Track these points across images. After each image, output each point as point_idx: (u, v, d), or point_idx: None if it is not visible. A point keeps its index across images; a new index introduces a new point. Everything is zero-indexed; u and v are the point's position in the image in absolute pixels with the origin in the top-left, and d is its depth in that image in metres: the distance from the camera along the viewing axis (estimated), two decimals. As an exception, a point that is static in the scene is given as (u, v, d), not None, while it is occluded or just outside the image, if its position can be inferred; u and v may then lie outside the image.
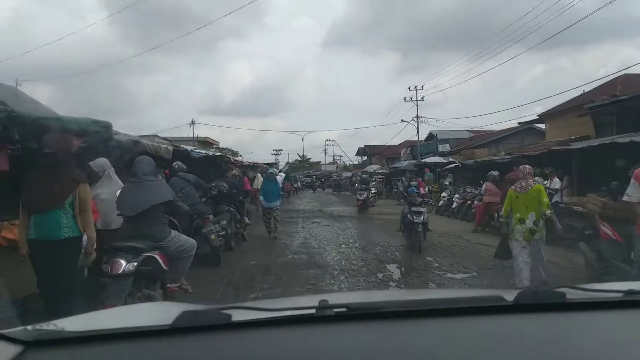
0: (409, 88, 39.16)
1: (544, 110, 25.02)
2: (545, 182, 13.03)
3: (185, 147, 10.43)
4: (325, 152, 73.20)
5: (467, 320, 1.21)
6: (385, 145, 50.86)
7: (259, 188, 19.58)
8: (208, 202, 9.14)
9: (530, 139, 26.33)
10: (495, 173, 11.98)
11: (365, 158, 59.89)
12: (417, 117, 38.17)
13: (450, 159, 23.04)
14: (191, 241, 5.00)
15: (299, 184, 40.08)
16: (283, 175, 28.90)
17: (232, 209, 9.32)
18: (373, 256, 8.73)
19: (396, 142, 48.24)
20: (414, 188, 10.34)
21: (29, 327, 1.13)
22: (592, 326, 1.21)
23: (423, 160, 23.44)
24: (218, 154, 13.02)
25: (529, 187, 6.21)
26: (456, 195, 16.24)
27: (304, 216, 17.01)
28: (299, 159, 75.11)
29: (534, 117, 26.58)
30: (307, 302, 1.35)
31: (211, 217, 7.57)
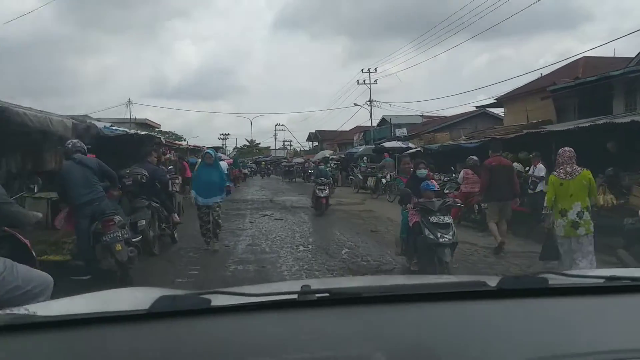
0: (362, 70, 38.10)
1: (500, 95, 24.26)
2: (527, 168, 11.68)
3: (95, 122, 7.96)
4: (275, 137, 70.70)
5: (450, 305, 1.20)
6: (336, 131, 49.56)
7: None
8: (124, 196, 6.87)
9: (484, 124, 25.69)
10: (475, 158, 10.36)
11: (316, 144, 58.23)
12: (371, 100, 36.88)
13: (410, 144, 21.55)
14: (41, 277, 2.81)
15: (248, 170, 37.53)
16: (225, 159, 26.41)
17: (155, 203, 7.07)
18: (341, 264, 6.81)
19: (347, 127, 47.12)
20: (428, 183, 5.94)
21: (0, 312, 1.11)
22: (573, 311, 1.19)
23: (382, 145, 21.77)
24: (144, 133, 10.45)
25: (576, 173, 5.37)
26: (422, 183, 14.62)
27: (253, 207, 14.84)
28: (248, 144, 72.20)
29: (491, 100, 25.76)
30: (289, 287, 1.26)
31: (117, 218, 5.32)
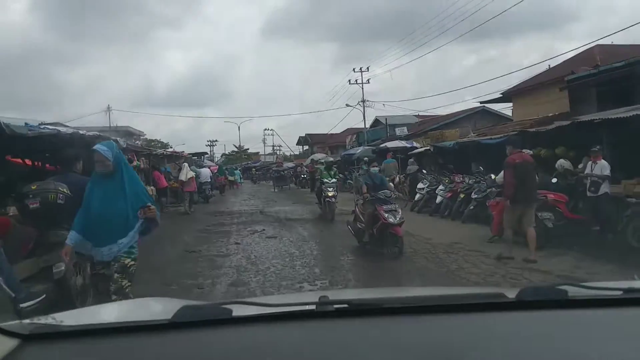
0: (354, 70, 35.95)
1: (507, 88, 22.42)
2: (581, 165, 9.49)
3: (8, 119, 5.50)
4: (264, 142, 68.01)
5: (470, 316, 1.18)
6: (327, 134, 47.41)
7: (186, 180, 14.65)
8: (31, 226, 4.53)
9: (484, 122, 23.75)
10: (522, 154, 8.11)
11: (306, 147, 55.88)
12: (364, 100, 34.73)
13: (415, 143, 19.35)
14: None
15: (237, 177, 34.60)
16: (210, 166, 23.81)
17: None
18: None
19: (338, 130, 45.37)
20: None
21: (26, 321, 1.09)
22: (592, 323, 1.17)
23: (384, 145, 19.50)
24: (92, 133, 7.90)
25: None
26: (440, 187, 12.38)
27: (240, 221, 12.43)
28: (236, 149, 69.56)
29: (496, 95, 23.81)
30: (308, 298, 1.29)
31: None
